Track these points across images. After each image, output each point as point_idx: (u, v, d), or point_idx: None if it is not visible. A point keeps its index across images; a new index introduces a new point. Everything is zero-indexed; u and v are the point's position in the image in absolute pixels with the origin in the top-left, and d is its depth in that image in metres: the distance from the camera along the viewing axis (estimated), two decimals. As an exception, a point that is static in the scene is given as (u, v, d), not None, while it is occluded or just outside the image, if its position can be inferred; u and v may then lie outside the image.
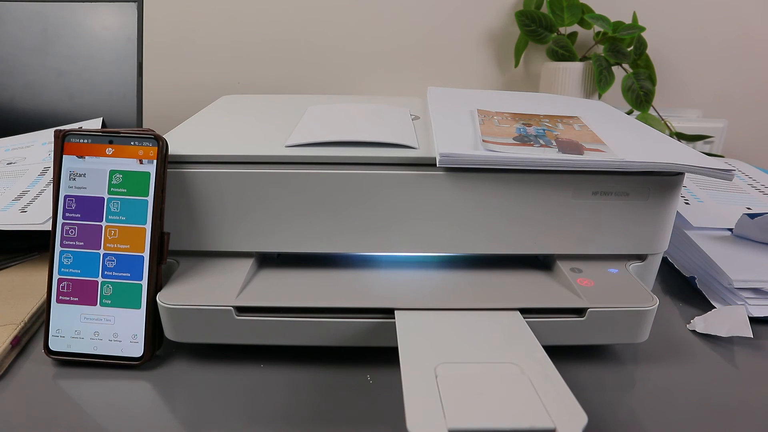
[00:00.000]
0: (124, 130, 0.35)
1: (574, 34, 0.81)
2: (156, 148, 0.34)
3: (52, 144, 0.45)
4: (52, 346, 0.35)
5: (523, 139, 0.37)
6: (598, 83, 0.74)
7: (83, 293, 0.34)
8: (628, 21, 0.77)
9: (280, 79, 0.86)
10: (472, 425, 0.24)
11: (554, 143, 0.37)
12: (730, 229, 0.49)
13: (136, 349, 0.34)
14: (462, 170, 0.35)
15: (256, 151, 0.36)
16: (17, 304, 0.39)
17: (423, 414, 0.24)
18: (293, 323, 0.34)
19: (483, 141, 0.36)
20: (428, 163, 0.35)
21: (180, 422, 0.31)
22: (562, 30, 0.80)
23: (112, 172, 0.34)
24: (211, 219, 0.37)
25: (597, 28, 0.79)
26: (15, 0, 0.64)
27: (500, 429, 0.24)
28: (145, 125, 0.72)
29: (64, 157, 0.35)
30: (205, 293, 0.34)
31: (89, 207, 0.34)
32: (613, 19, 0.76)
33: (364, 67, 0.86)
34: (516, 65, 0.85)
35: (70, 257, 0.35)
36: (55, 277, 0.35)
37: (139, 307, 0.34)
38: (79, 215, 0.35)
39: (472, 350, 0.30)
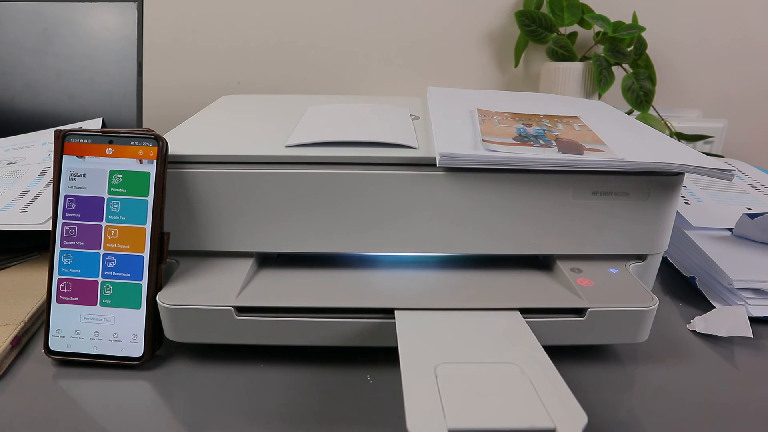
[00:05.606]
0: (124, 130, 0.35)
1: (574, 34, 0.81)
2: (156, 148, 0.34)
3: (52, 144, 0.45)
4: (52, 346, 0.35)
5: (523, 139, 0.37)
6: (598, 83, 0.74)
7: (83, 293, 0.34)
8: (628, 21, 0.77)
9: (280, 79, 0.86)
10: (472, 425, 0.24)
11: (554, 143, 0.37)
12: (730, 229, 0.49)
13: (136, 349, 0.34)
14: (462, 170, 0.35)
15: (256, 151, 0.36)
16: (17, 304, 0.39)
17: (423, 414, 0.24)
18: (293, 323, 0.34)
19: (483, 141, 0.36)
20: (428, 163, 0.35)
21: (180, 422, 0.31)
22: (562, 30, 0.80)
23: (112, 172, 0.34)
24: (211, 219, 0.37)
25: (597, 28, 0.79)
26: (15, 0, 0.64)
27: (500, 429, 0.24)
28: (145, 125, 0.72)
29: (64, 157, 0.35)
30: (205, 293, 0.34)
31: (89, 207, 0.34)
32: (613, 19, 0.76)
33: (364, 67, 0.86)
34: (516, 65, 0.85)
35: (70, 257, 0.35)
36: (55, 277, 0.35)
37: (139, 307, 0.34)
38: (79, 215, 0.35)
39: (472, 350, 0.30)
